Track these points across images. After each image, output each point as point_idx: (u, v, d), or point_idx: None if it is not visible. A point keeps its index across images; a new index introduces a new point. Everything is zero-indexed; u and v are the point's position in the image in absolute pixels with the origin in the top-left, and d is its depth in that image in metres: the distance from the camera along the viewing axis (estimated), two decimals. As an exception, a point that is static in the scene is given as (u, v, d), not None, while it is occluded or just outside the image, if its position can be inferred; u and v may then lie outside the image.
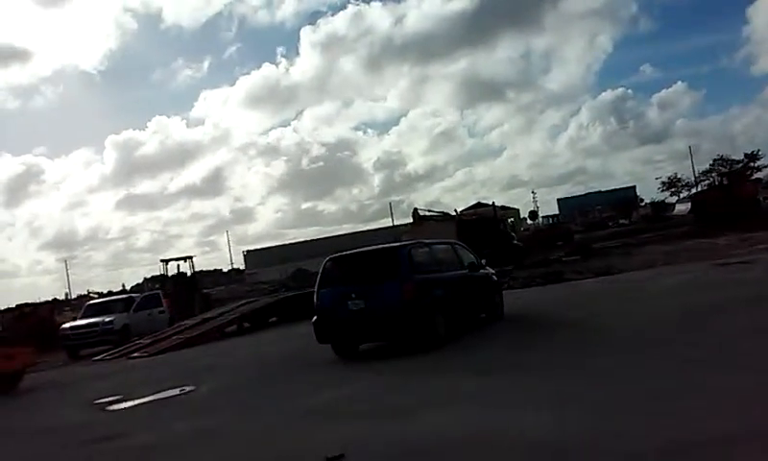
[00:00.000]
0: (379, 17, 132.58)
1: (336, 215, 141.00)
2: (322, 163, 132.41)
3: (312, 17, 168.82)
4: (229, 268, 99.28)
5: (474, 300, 12.92)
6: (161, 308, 25.27)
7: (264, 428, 7.70)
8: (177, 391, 11.20)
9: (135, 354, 18.51)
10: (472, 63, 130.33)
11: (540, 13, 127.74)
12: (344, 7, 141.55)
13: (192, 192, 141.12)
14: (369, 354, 11.76)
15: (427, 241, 13.12)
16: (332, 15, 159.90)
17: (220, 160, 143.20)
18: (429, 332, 11.06)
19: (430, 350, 10.83)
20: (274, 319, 23.07)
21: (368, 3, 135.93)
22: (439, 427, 6.46)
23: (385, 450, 6.01)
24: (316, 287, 11.77)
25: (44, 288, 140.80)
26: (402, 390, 8.61)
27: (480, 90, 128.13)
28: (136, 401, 10.89)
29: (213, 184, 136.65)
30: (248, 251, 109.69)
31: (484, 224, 32.78)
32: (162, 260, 32.08)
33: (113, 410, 10.52)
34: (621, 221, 78.20)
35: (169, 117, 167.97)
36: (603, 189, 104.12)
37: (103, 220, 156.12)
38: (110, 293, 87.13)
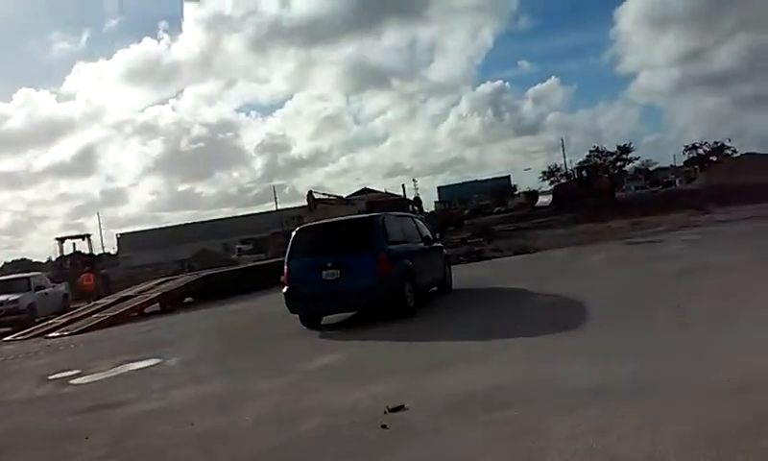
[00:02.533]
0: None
1: (215, 198, 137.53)
2: (202, 144, 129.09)
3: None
4: (100, 252, 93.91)
5: (432, 272, 13.28)
6: (59, 288, 24.02)
7: (285, 388, 7.50)
8: (143, 364, 10.73)
9: (53, 334, 17.40)
10: (359, 50, 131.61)
11: (427, 4, 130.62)
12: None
13: (60, 171, 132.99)
14: (337, 326, 11.74)
15: (394, 214, 13.34)
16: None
17: (92, 138, 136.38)
18: (401, 302, 11.30)
19: (399, 320, 10.98)
20: (189, 299, 22.38)
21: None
22: (475, 380, 6.56)
23: (437, 402, 6.01)
24: (286, 257, 11.68)
25: None
26: (402, 353, 8.65)
27: (366, 77, 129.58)
28: (101, 375, 10.27)
29: (83, 163, 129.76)
30: (121, 234, 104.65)
31: (395, 206, 33.36)
32: (58, 238, 30.65)
33: (81, 384, 9.88)
34: (497, 208, 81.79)
35: (38, 90, 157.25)
36: (480, 178, 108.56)
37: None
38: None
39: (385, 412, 5.81)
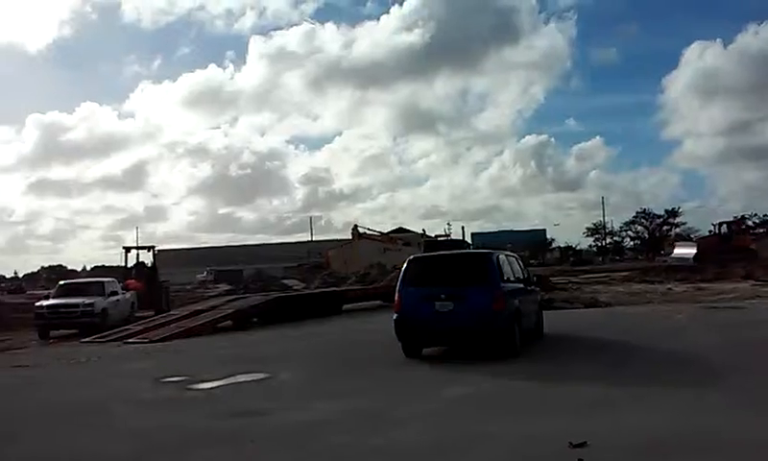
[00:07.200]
0: (330, 39, 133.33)
1: (252, 224, 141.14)
2: (249, 171, 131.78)
3: (264, 29, 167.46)
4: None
5: (531, 314, 13.21)
6: (127, 296, 24.34)
7: (436, 413, 7.53)
8: (253, 376, 10.78)
9: (131, 339, 17.62)
10: (412, 94, 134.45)
11: (483, 57, 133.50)
12: (299, 23, 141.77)
13: (109, 184, 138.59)
14: (438, 359, 11.71)
15: (505, 252, 13.38)
16: (286, 30, 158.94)
17: (144, 155, 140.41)
18: (510, 341, 11.30)
19: (504, 360, 10.87)
20: (255, 320, 22.47)
21: (322, 24, 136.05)
22: (644, 425, 6.55)
23: (618, 442, 6.02)
24: (398, 285, 11.80)
25: None
26: (539, 392, 8.63)
27: (414, 121, 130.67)
28: (217, 383, 10.35)
29: (132, 179, 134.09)
30: (159, 250, 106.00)
31: (456, 246, 33.35)
32: (125, 248, 31.40)
33: (203, 389, 9.99)
34: (531, 261, 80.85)
35: (101, 105, 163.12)
36: (515, 229, 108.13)
37: (10, 201, 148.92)
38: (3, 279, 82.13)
39: (570, 446, 5.81)
